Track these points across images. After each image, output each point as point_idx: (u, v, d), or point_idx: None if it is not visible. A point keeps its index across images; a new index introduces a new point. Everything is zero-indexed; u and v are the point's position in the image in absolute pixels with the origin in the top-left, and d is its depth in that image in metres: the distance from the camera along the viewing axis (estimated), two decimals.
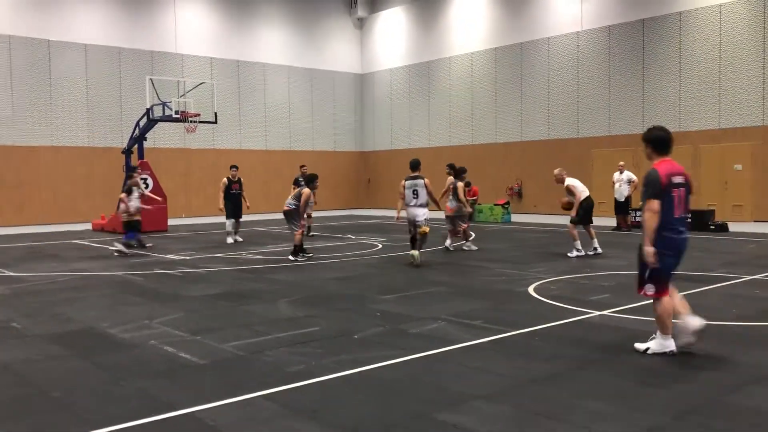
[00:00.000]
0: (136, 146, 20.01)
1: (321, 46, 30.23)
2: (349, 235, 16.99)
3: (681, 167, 5.73)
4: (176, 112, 19.47)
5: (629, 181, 17.42)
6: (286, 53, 29.06)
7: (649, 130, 5.84)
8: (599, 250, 12.57)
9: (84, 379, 5.27)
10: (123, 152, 20.61)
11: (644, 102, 21.68)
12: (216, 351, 6.02)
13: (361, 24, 31.49)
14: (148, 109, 19.52)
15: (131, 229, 14.32)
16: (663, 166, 5.62)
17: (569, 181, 12.55)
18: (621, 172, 17.58)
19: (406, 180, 11.87)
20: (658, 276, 5.60)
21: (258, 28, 28.20)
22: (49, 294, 9.20)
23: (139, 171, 15.78)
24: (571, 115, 23.59)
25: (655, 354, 5.63)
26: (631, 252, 12.88)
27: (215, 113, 21.11)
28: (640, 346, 5.77)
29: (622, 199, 17.44)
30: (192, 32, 26.33)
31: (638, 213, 18.26)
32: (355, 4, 30.78)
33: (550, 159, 24.11)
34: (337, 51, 30.82)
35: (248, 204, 16.13)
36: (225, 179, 15.91)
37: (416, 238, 11.64)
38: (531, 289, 8.90)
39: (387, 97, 30.51)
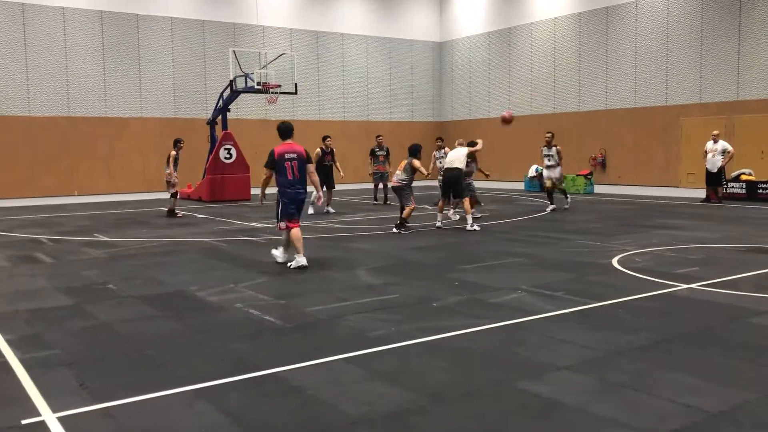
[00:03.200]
0: (219, 117, 20.56)
1: (399, 15, 29.99)
2: (426, 206, 16.98)
3: (297, 147, 8.65)
4: (258, 84, 19.84)
5: (724, 151, 16.54)
6: (365, 23, 29.00)
7: (279, 124, 8.91)
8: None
9: (176, 339, 5.53)
10: (207, 123, 21.23)
11: (740, 66, 20.51)
12: (298, 315, 6.19)
13: None
14: (231, 81, 19.97)
15: None
16: (281, 147, 8.63)
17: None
18: (715, 142, 16.72)
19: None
20: (284, 216, 8.63)
21: None
22: (141, 258, 9.66)
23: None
24: (660, 82, 22.59)
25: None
26: (722, 224, 12.38)
27: (295, 84, 21.39)
28: (276, 255, 8.91)
29: (715, 170, 16.60)
30: (272, 4, 26.62)
31: (731, 184, 17.47)
32: None
33: (637, 128, 23.26)
34: (416, 19, 30.50)
35: (342, 174, 16.41)
36: (319, 150, 15.85)
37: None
38: (615, 261, 8.68)
39: (466, 66, 30.04)
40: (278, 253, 8.97)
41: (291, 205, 8.63)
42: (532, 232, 11.93)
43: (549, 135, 15.79)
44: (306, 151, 8.80)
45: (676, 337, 5.32)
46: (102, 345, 5.42)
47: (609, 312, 6.16)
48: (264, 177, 8.77)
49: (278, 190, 8.67)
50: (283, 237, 8.90)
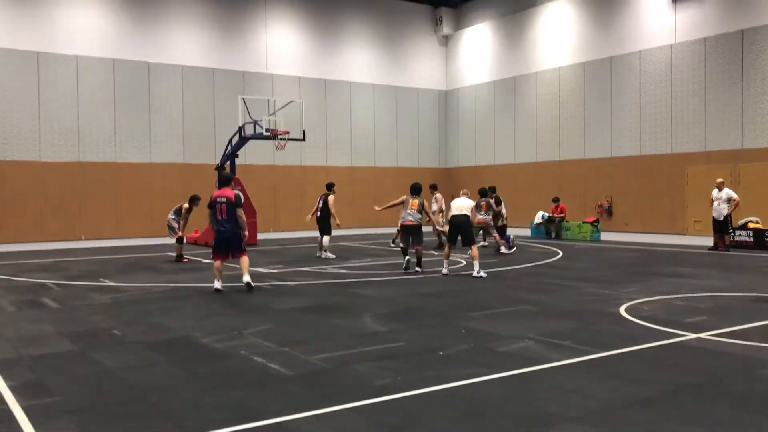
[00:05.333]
0: (228, 163, 20.75)
1: (406, 64, 30.49)
2: (433, 252, 16.96)
3: (228, 192, 10.57)
4: (267, 130, 20.06)
5: (729, 200, 16.54)
6: (372, 71, 29.48)
7: (221, 174, 11.69)
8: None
9: (180, 386, 5.49)
10: (216, 169, 21.38)
11: (743, 116, 20.67)
12: (303, 363, 6.13)
13: (446, 41, 31.57)
14: (240, 128, 20.21)
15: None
16: (216, 192, 10.74)
17: (453, 202, 13.02)
18: (719, 190, 16.74)
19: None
20: (214, 249, 10.74)
21: (344, 47, 28.76)
22: (146, 303, 9.64)
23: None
24: (664, 131, 22.75)
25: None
26: (731, 273, 12.31)
27: (303, 131, 21.62)
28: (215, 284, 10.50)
29: (721, 218, 16.57)
30: (282, 53, 27.13)
31: (738, 232, 17.42)
32: (440, 21, 30.92)
33: (643, 176, 23.34)
34: (422, 68, 30.99)
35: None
36: (333, 196, 16.42)
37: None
38: (622, 310, 8.62)
39: (471, 113, 30.38)
40: (216, 284, 10.52)
41: (219, 241, 10.60)
42: (539, 279, 11.88)
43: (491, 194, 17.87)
44: (236, 196, 10.58)
45: (686, 388, 5.24)
46: (106, 392, 5.37)
47: (617, 362, 6.08)
48: (209, 215, 10.90)
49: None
50: (214, 267, 10.60)
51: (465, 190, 14.49)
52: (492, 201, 17.07)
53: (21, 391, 5.32)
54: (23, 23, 22.13)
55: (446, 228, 15.26)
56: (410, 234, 12.83)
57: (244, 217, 10.69)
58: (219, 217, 10.50)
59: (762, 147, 20.24)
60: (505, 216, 17.50)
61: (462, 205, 12.64)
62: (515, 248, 17.12)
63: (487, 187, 17.75)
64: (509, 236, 17.44)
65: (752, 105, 20.46)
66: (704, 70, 21.61)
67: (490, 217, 16.75)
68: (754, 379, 5.49)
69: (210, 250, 18.11)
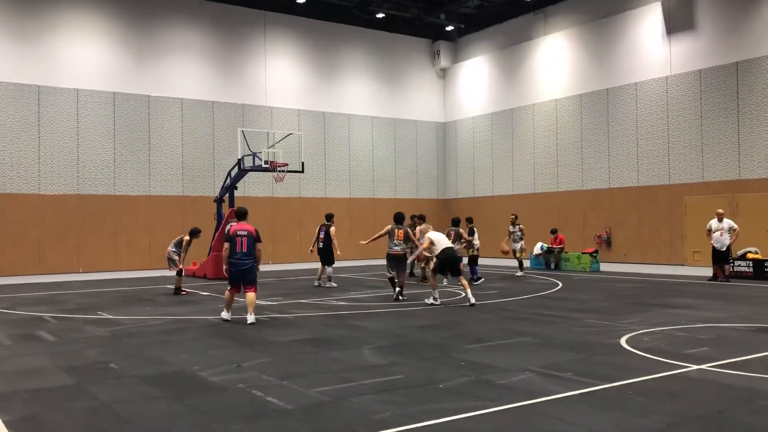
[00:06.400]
0: (227, 195, 20.79)
1: (404, 97, 30.77)
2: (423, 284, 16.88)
3: (248, 227, 10.75)
4: (265, 162, 20.15)
5: (731, 229, 16.55)
6: (370, 104, 29.72)
7: (237, 208, 11.21)
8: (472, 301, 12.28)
9: (177, 421, 5.42)
10: (215, 201, 21.44)
11: (740, 147, 20.80)
12: (302, 396, 6.07)
13: (444, 74, 31.90)
14: (239, 160, 20.30)
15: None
16: (234, 225, 10.77)
17: (430, 235, 13.00)
18: (720, 220, 16.75)
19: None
20: (230, 281, 10.73)
21: (343, 80, 29.04)
22: (143, 336, 9.57)
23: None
24: (662, 162, 22.88)
25: (225, 321, 10.69)
26: (731, 303, 12.26)
27: (302, 163, 21.72)
28: (223, 315, 10.81)
29: (723, 249, 16.55)
30: (281, 86, 27.38)
31: (738, 262, 17.40)
32: (438, 55, 31.29)
33: (641, 206, 23.40)
34: (420, 101, 31.26)
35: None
36: (334, 227, 16.93)
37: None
38: (623, 341, 8.56)
39: (469, 145, 30.56)
40: (224, 314, 10.80)
41: (235, 274, 10.63)
42: (539, 310, 11.83)
43: (513, 216, 19.56)
44: (256, 230, 10.82)
45: (689, 421, 5.19)
46: (102, 427, 5.31)
47: (619, 394, 6.03)
48: (225, 249, 10.67)
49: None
50: (225, 298, 10.85)
51: (429, 225, 15.27)
52: (461, 231, 16.84)
53: (16, 426, 5.26)
54: (25, 57, 22.35)
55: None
56: (396, 263, 13.48)
57: (261, 251, 11.00)
58: (238, 250, 10.57)
59: (760, 177, 20.34)
60: (477, 247, 17.45)
61: (444, 238, 12.94)
62: (482, 279, 17.02)
63: (465, 218, 18.52)
64: (476, 268, 17.30)
65: (748, 136, 20.60)
66: (700, 102, 21.81)
67: (460, 246, 16.55)
68: (757, 411, 5.44)
69: (210, 282, 18.11)
